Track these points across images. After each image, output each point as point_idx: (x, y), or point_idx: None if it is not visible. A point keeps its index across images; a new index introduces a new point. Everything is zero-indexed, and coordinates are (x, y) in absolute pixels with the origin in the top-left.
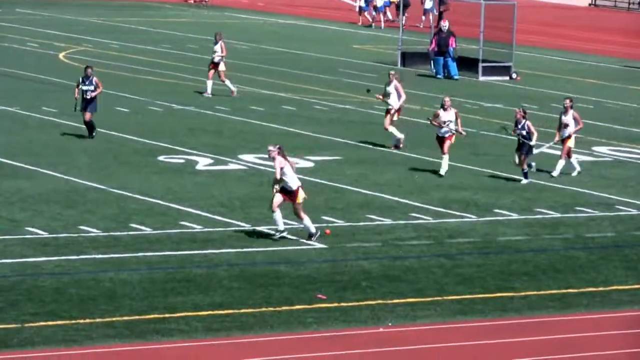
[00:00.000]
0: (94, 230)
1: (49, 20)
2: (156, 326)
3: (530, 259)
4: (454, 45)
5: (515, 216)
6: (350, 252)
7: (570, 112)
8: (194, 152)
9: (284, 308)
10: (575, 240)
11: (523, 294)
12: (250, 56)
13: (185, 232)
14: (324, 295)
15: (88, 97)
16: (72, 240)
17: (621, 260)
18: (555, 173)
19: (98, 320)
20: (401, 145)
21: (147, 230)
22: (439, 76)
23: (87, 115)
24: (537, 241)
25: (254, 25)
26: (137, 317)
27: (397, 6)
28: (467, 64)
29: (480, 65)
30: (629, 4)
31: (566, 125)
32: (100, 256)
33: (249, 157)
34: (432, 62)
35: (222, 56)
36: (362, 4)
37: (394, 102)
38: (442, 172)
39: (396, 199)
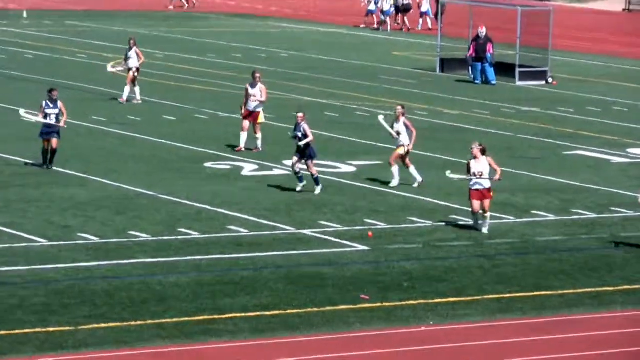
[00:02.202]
0: (144, 235)
1: (97, 32)
2: (205, 327)
3: (567, 259)
4: (491, 51)
5: (552, 217)
6: (392, 253)
7: (402, 119)
8: (240, 158)
9: (328, 308)
10: (610, 239)
11: (560, 292)
12: (292, 64)
13: (232, 236)
14: (367, 296)
15: (53, 122)
16: (122, 245)
17: None
18: (394, 182)
19: (149, 321)
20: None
21: (195, 235)
22: (477, 81)
23: (54, 142)
24: (573, 241)
25: (296, 34)
26: (186, 318)
27: (397, 10)
28: (505, 69)
29: (517, 70)
30: None
31: (398, 133)
32: (149, 260)
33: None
34: (470, 67)
35: (139, 63)
36: (371, 6)
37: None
38: (485, 230)
39: (436, 201)
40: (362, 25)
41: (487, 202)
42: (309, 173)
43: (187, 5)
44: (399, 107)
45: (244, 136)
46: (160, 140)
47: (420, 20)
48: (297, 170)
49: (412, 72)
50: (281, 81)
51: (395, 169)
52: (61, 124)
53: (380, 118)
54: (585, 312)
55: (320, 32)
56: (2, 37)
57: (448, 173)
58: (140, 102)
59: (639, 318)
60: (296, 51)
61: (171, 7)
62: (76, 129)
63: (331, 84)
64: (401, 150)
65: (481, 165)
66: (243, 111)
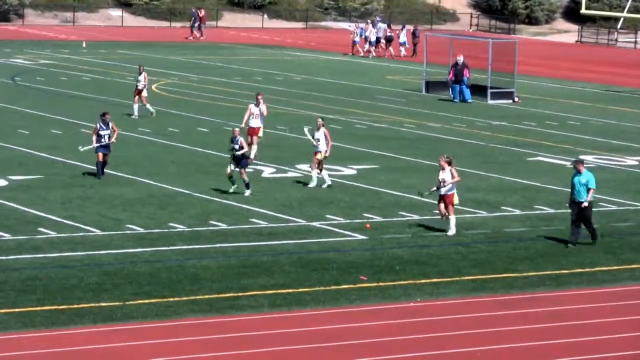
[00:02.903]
0: (181, 226)
1: (142, 59)
2: (231, 303)
3: (531, 246)
4: (467, 75)
5: (518, 212)
6: (386, 242)
7: (322, 129)
8: (260, 163)
9: (333, 287)
10: (566, 231)
11: (525, 274)
12: (304, 86)
13: (253, 227)
14: (365, 277)
15: (106, 141)
16: (163, 235)
17: (604, 247)
18: (312, 184)
19: (184, 298)
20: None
21: (224, 226)
22: (455, 100)
23: (105, 157)
24: (536, 232)
25: (306, 60)
26: (216, 295)
27: (378, 41)
28: (479, 90)
29: (489, 91)
30: (608, 40)
31: (318, 140)
32: (186, 247)
33: (304, 167)
34: (450, 89)
35: (144, 84)
36: (357, 38)
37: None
38: (450, 233)
39: (422, 199)
40: (351, 53)
41: (450, 207)
42: (242, 179)
43: (200, 36)
44: (319, 119)
45: (253, 149)
46: (195, 148)
47: (402, 49)
48: (231, 175)
49: (402, 92)
50: (295, 99)
51: (315, 172)
52: (112, 140)
53: (306, 129)
54: (546, 291)
55: (327, 60)
56: (64, 62)
57: (421, 194)
58: (153, 113)
59: (590, 296)
60: (307, 75)
61: (191, 38)
62: (126, 139)
63: (336, 102)
64: (319, 156)
65: (446, 175)
66: (245, 126)
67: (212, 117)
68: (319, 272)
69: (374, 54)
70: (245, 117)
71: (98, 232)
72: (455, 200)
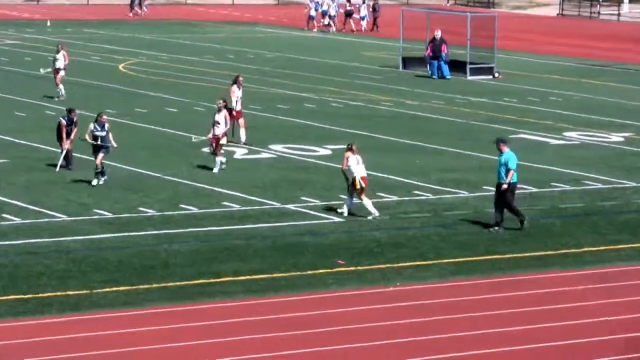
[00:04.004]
0: (151, 210)
1: (109, 38)
2: (203, 289)
3: (512, 227)
4: (446, 51)
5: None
6: (364, 224)
7: (223, 112)
8: (232, 144)
9: (309, 272)
10: (550, 210)
11: (508, 256)
12: (277, 63)
13: (226, 210)
14: (342, 261)
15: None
16: (132, 220)
17: (590, 227)
18: (215, 170)
19: (154, 285)
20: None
21: (195, 210)
22: (433, 77)
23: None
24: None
25: (279, 38)
26: (187, 282)
27: (346, 15)
28: (457, 66)
29: (468, 66)
30: (591, 13)
31: (217, 123)
32: (155, 232)
33: (278, 147)
34: (428, 65)
35: (65, 64)
36: (312, 12)
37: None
38: (371, 217)
39: (400, 179)
40: (307, 29)
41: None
42: (97, 164)
43: (142, 12)
44: (221, 101)
45: (242, 133)
46: (164, 129)
47: (362, 23)
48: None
49: (378, 69)
50: (266, 77)
51: (218, 158)
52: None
53: (194, 139)
54: (530, 273)
55: (300, 37)
56: (29, 42)
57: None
58: (63, 97)
59: (577, 277)
60: (280, 52)
61: (130, 15)
62: (91, 120)
63: (310, 80)
64: (223, 140)
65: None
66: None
67: (182, 97)
68: (294, 256)
69: (333, 28)
70: (234, 101)
71: (64, 217)
72: (358, 184)
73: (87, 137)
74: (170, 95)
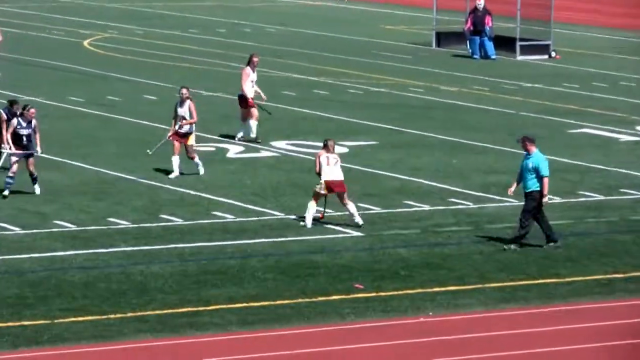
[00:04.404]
0: (124, 222)
1: (72, 8)
2: (190, 320)
3: (574, 244)
4: (490, 24)
5: (557, 199)
6: (387, 239)
7: (187, 103)
8: (225, 139)
9: (321, 299)
10: (619, 223)
11: (567, 280)
12: (279, 39)
13: (217, 222)
14: (361, 285)
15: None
16: (101, 233)
17: None
18: (173, 175)
19: (129, 314)
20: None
21: (179, 221)
22: (475, 56)
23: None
24: (580, 225)
25: (282, 8)
26: (169, 310)
27: None
28: (505, 43)
29: (518, 44)
30: None
31: (183, 118)
32: (130, 249)
33: (281, 144)
34: (468, 42)
35: None
36: None
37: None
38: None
39: (434, 183)
40: None
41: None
42: (29, 171)
43: None
44: (184, 90)
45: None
46: (141, 121)
47: None
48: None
49: (406, 47)
50: (267, 57)
51: (175, 159)
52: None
53: (149, 151)
54: (594, 301)
55: (307, 6)
56: None
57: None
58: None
59: None
60: (282, 25)
61: None
62: (52, 111)
63: (321, 60)
64: (191, 141)
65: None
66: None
67: (162, 81)
68: (302, 279)
69: None
70: (245, 86)
71: (17, 230)
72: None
73: (6, 136)
74: (148, 79)
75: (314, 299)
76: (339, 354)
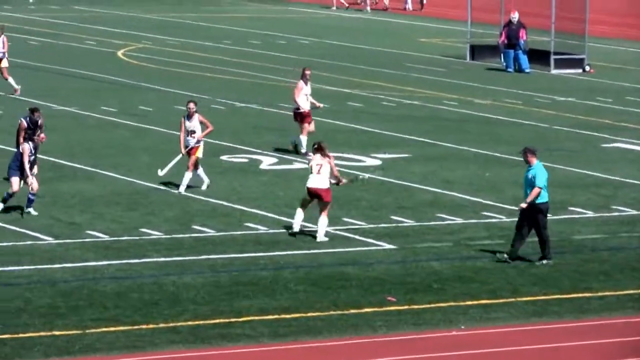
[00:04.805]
0: (156, 232)
1: (106, 18)
2: (221, 331)
3: (607, 258)
4: (524, 38)
5: (590, 214)
6: (420, 252)
7: (196, 117)
8: (258, 151)
9: (352, 311)
10: None
11: (600, 294)
12: (312, 51)
13: (249, 233)
14: (393, 298)
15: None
16: (133, 244)
17: None
18: (181, 189)
19: (161, 325)
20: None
21: (211, 232)
22: (509, 70)
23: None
24: (614, 239)
25: (317, 20)
26: (201, 321)
27: None
28: (539, 57)
29: (552, 57)
30: None
31: (193, 132)
32: (162, 259)
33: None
34: (502, 55)
35: (3, 52)
36: None
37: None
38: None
39: (467, 197)
40: (333, 7)
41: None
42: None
43: None
44: (192, 104)
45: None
46: (174, 132)
47: (409, 1)
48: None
49: (440, 60)
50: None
51: (188, 175)
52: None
53: (160, 172)
54: (627, 316)
55: (342, 18)
56: (5, 22)
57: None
58: (19, 92)
59: None
60: (316, 37)
61: None
62: (85, 120)
63: (355, 72)
64: (199, 153)
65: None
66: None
67: (195, 92)
68: (333, 291)
69: (368, 8)
70: (299, 99)
71: (50, 240)
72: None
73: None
74: (181, 89)
75: (345, 311)
76: None
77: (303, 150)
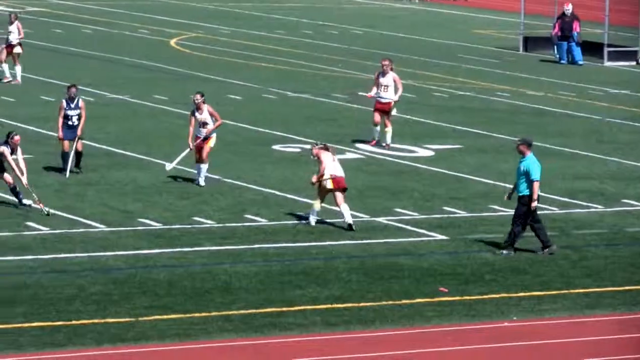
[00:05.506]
0: (209, 221)
1: (159, 6)
2: (273, 320)
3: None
4: (578, 30)
5: None
6: (472, 244)
7: (205, 108)
8: (310, 140)
9: (405, 301)
10: None
11: None
12: (366, 41)
13: (301, 223)
14: (445, 289)
15: (73, 124)
16: (185, 232)
17: None
18: (201, 182)
19: (214, 313)
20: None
21: (263, 221)
22: (562, 62)
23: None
24: None
25: (371, 10)
26: (253, 310)
27: None
28: (592, 49)
29: (606, 50)
30: None
31: (204, 124)
32: (214, 248)
33: (367, 146)
34: (555, 47)
35: (19, 38)
36: None
37: (391, 95)
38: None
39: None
40: None
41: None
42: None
43: None
44: (198, 95)
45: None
46: (226, 121)
47: None
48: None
49: (493, 51)
50: (354, 59)
51: (204, 165)
52: (81, 125)
53: (168, 167)
54: None
55: (395, 8)
56: (58, 10)
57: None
58: (19, 82)
59: None
60: (369, 28)
61: None
62: (137, 109)
63: (407, 63)
64: (211, 143)
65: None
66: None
67: (247, 81)
68: (386, 281)
69: None
70: (374, 91)
71: (103, 227)
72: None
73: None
74: (233, 79)
75: (397, 302)
76: (422, 357)
77: (388, 141)
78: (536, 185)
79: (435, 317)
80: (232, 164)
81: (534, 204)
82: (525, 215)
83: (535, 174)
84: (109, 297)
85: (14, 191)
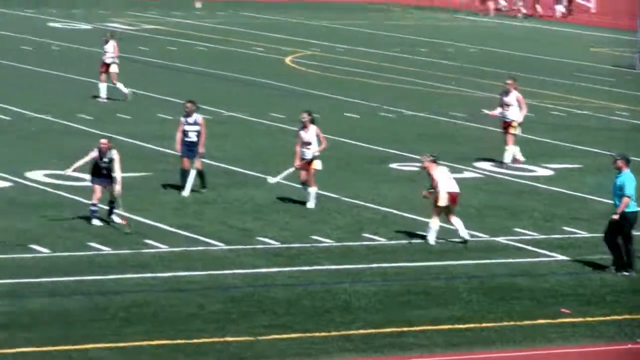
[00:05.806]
0: (327, 240)
1: (274, 24)
2: (394, 340)
3: None
4: None
5: None
6: (593, 264)
7: (312, 128)
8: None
9: (526, 322)
10: None
11: None
12: (482, 59)
13: (420, 242)
14: (568, 310)
15: (191, 140)
16: (304, 251)
17: None
18: (311, 205)
19: (333, 333)
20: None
21: (382, 240)
22: None
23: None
24: None
25: (486, 29)
26: (373, 330)
27: None
28: None
29: None
30: None
31: (309, 144)
32: (333, 267)
33: (485, 165)
34: None
35: (113, 57)
36: None
37: (515, 115)
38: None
39: None
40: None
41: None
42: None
43: None
44: (305, 115)
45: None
46: (342, 139)
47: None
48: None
49: (611, 69)
50: (469, 77)
51: (312, 189)
52: (199, 148)
53: (270, 180)
54: None
55: (511, 27)
56: (173, 27)
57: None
58: (129, 98)
59: None
60: (484, 45)
61: None
62: (254, 127)
63: (523, 82)
64: (317, 165)
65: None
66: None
67: (363, 99)
68: (506, 302)
69: (524, 10)
70: (498, 110)
71: (222, 246)
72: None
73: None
74: (349, 97)
75: (519, 323)
76: None
77: (507, 160)
78: (625, 200)
79: (557, 338)
80: (349, 183)
81: (616, 216)
82: (626, 228)
83: (629, 190)
84: (227, 316)
85: (110, 204)
